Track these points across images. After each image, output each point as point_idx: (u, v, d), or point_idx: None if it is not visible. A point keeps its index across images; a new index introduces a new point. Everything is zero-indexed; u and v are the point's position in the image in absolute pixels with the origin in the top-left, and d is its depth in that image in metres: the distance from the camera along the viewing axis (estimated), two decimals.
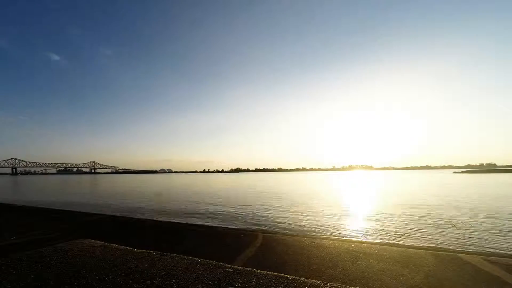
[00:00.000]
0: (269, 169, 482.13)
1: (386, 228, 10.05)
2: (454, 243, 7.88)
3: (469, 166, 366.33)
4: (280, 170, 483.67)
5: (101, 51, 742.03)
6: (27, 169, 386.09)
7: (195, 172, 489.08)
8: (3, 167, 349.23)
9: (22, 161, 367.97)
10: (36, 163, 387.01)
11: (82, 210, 15.28)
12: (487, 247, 7.49)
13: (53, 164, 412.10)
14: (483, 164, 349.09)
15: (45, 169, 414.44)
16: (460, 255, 5.92)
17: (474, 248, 7.34)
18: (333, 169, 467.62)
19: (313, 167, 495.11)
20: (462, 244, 7.77)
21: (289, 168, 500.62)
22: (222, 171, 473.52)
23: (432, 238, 8.51)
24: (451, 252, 6.44)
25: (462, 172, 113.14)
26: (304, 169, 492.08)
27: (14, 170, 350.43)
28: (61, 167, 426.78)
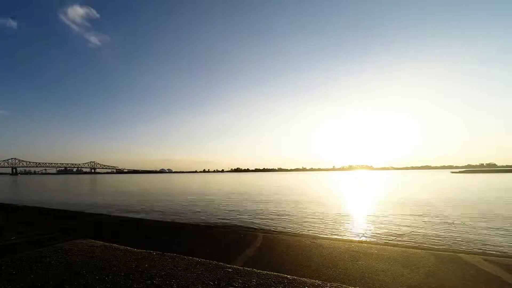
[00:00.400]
0: (269, 169, 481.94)
1: (386, 228, 10.06)
2: (454, 243, 7.88)
3: (469, 166, 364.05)
4: (280, 170, 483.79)
5: (103, 51, 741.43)
6: (27, 169, 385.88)
7: (195, 172, 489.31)
8: (3, 167, 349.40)
9: (22, 161, 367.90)
10: (36, 163, 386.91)
11: (82, 210, 15.30)
12: (487, 247, 7.49)
13: (53, 164, 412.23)
14: (483, 164, 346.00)
15: (45, 169, 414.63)
16: (460, 255, 5.94)
17: (474, 248, 7.34)
18: (333, 169, 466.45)
19: (313, 167, 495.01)
20: (462, 244, 7.77)
21: (289, 168, 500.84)
22: (222, 171, 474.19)
23: (432, 238, 8.51)
24: (451, 252, 6.45)
25: (460, 172, 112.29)
26: (304, 169, 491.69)
27: (14, 170, 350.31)
28: (61, 167, 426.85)
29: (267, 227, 10.48)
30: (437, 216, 12.29)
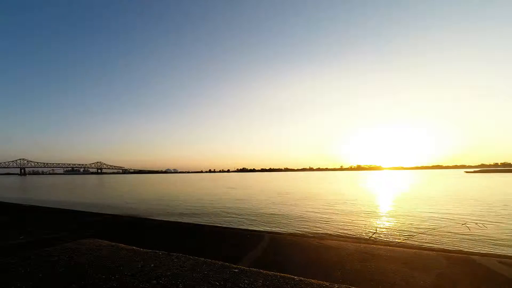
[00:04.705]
0: (276, 168, 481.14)
1: (396, 228, 9.92)
2: (466, 244, 7.70)
3: (482, 165, 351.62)
4: (286, 170, 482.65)
5: (103, 51, 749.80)
6: (35, 169, 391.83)
7: (201, 172, 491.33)
8: (12, 167, 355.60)
9: (30, 161, 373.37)
10: (43, 163, 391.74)
11: (89, 210, 15.45)
12: (503, 249, 7.29)
13: (60, 164, 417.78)
14: (497, 163, 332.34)
15: (53, 170, 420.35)
16: (473, 257, 5.77)
17: (489, 250, 7.15)
18: (341, 168, 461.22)
19: (320, 167, 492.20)
20: (475, 245, 7.59)
21: (295, 168, 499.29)
22: (228, 171, 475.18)
23: (444, 239, 8.34)
24: (463, 253, 6.29)
25: (475, 172, 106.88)
26: (311, 169, 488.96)
27: (22, 170, 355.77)
28: (68, 167, 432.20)
29: (274, 228, 10.43)
30: (449, 216, 12.07)
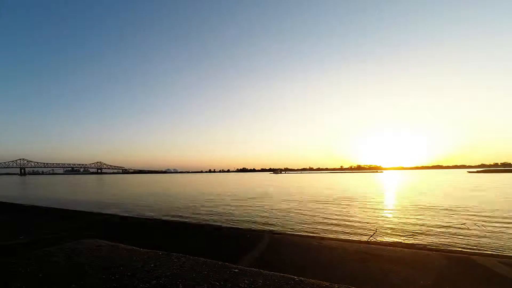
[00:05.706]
0: (276, 169, 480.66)
1: (397, 228, 9.91)
2: (467, 245, 7.70)
3: (482, 165, 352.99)
4: (287, 169, 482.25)
5: (103, 51, 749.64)
6: (35, 169, 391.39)
7: (201, 172, 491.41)
8: (12, 167, 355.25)
9: (30, 161, 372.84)
10: (43, 163, 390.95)
11: (90, 209, 15.45)
12: (503, 249, 7.29)
13: (60, 164, 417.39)
14: (497, 163, 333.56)
15: (53, 169, 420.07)
16: (473, 257, 5.76)
17: (489, 250, 7.15)
18: (341, 168, 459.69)
19: (320, 167, 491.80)
20: (475, 246, 7.58)
21: (296, 168, 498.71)
22: (228, 171, 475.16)
23: (444, 239, 8.34)
24: (463, 253, 6.28)
25: (478, 172, 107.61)
26: (311, 169, 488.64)
27: (22, 170, 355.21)
28: (68, 167, 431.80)
29: (274, 228, 10.42)
30: (450, 217, 12.07)
